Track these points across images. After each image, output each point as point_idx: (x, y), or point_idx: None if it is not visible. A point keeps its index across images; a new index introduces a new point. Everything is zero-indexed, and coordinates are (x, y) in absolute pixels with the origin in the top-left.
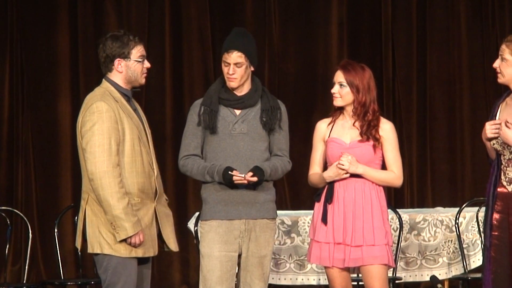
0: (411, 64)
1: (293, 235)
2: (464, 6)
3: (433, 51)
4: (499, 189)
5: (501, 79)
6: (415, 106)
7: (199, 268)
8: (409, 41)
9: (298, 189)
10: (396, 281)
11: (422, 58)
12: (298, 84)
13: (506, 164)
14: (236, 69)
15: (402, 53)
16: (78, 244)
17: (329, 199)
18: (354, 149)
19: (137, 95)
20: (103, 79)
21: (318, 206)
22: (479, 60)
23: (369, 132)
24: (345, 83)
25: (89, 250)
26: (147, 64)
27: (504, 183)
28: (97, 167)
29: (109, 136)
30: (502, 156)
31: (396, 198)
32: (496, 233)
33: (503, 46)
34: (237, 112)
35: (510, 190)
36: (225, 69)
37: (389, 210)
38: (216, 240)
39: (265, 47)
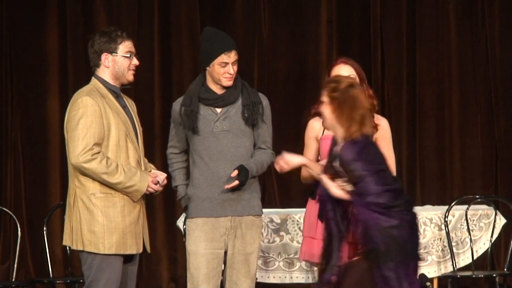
0: (401, 62)
1: (282, 233)
2: (454, 4)
3: (423, 49)
4: None
5: None
6: (404, 104)
7: (186, 266)
8: (399, 39)
9: (287, 187)
10: None
11: (411, 56)
12: (288, 82)
13: None
14: (234, 67)
15: (392, 51)
16: (68, 241)
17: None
18: None
19: (126, 92)
20: (92, 77)
21: (312, 203)
22: (469, 58)
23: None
24: (354, 74)
25: (73, 247)
26: (135, 61)
27: None
28: (79, 159)
29: (93, 130)
30: None
31: None
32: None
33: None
34: (218, 110)
35: None
36: (221, 70)
37: None
38: (202, 238)
39: (255, 45)
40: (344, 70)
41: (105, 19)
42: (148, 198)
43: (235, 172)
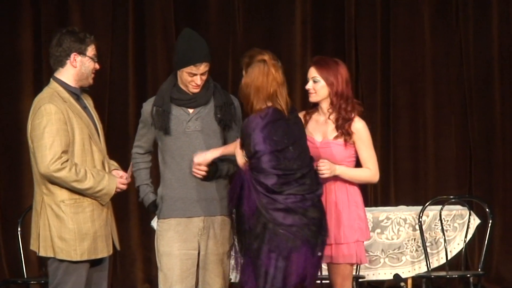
0: (375, 63)
1: None
2: (428, 4)
3: (397, 49)
4: None
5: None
6: (378, 104)
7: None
8: (373, 40)
9: None
10: (360, 280)
11: (385, 56)
12: None
13: None
14: (203, 77)
15: (366, 51)
16: (35, 247)
17: None
18: (325, 149)
19: (99, 93)
20: (51, 79)
21: None
22: (443, 58)
23: (343, 126)
24: (318, 78)
25: (41, 254)
26: (97, 65)
27: None
28: (49, 168)
29: (59, 138)
30: None
31: None
32: None
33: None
34: (190, 110)
35: None
36: (189, 78)
37: None
38: (175, 239)
39: (229, 45)
40: (309, 72)
41: (79, 19)
42: (123, 200)
43: (204, 169)
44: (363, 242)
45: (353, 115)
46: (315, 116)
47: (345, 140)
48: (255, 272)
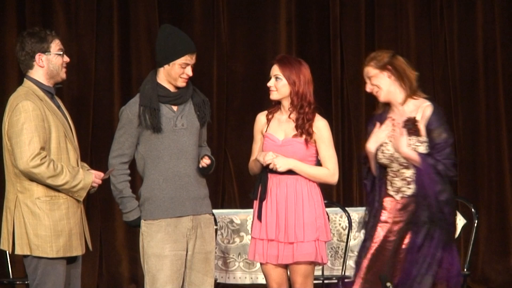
0: (360, 63)
1: (242, 233)
2: (412, 5)
3: (382, 49)
4: (385, 199)
5: (381, 96)
6: (364, 105)
7: (144, 268)
8: (358, 40)
9: (247, 188)
10: (346, 280)
11: None
12: (247, 83)
13: (393, 175)
14: (191, 69)
15: (351, 51)
16: (6, 246)
17: (262, 195)
18: (286, 147)
19: (84, 94)
20: (25, 79)
21: (255, 204)
22: (427, 59)
23: (303, 126)
24: (281, 76)
25: (18, 252)
26: (66, 58)
27: (392, 193)
28: (29, 164)
29: (38, 134)
30: (389, 169)
31: (344, 196)
32: (376, 242)
33: (365, 69)
34: (175, 108)
35: (397, 198)
36: (181, 71)
37: (338, 209)
38: (166, 240)
39: (213, 45)
40: (272, 70)
41: (64, 19)
42: (108, 200)
43: (207, 161)
44: (324, 242)
45: (314, 114)
46: (277, 114)
47: (306, 140)
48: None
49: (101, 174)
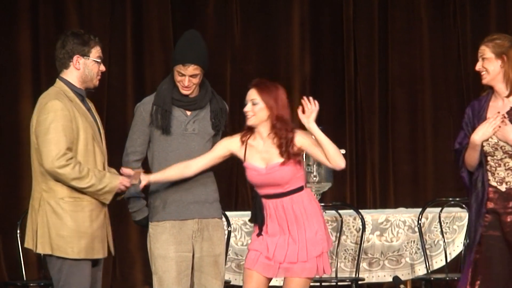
0: (373, 64)
1: None
2: (425, 6)
3: (395, 51)
4: (490, 189)
5: (486, 79)
6: (377, 107)
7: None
8: (371, 42)
9: None
10: (359, 282)
11: (383, 58)
12: None
13: (496, 165)
14: (192, 79)
15: (364, 53)
16: (30, 244)
17: (261, 221)
18: (273, 173)
19: (98, 97)
20: (57, 79)
21: (255, 229)
22: (441, 60)
23: (287, 149)
24: (258, 100)
25: (39, 250)
26: (102, 67)
27: (494, 184)
28: (54, 164)
29: (64, 134)
30: (490, 158)
31: (358, 198)
32: (488, 234)
33: (483, 47)
34: (188, 113)
35: (503, 189)
36: (178, 78)
37: (351, 211)
38: (170, 241)
39: (226, 48)
40: (248, 94)
41: (77, 21)
42: (122, 202)
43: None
44: (327, 252)
45: (293, 134)
46: (251, 142)
47: (298, 161)
48: None
49: (128, 180)
